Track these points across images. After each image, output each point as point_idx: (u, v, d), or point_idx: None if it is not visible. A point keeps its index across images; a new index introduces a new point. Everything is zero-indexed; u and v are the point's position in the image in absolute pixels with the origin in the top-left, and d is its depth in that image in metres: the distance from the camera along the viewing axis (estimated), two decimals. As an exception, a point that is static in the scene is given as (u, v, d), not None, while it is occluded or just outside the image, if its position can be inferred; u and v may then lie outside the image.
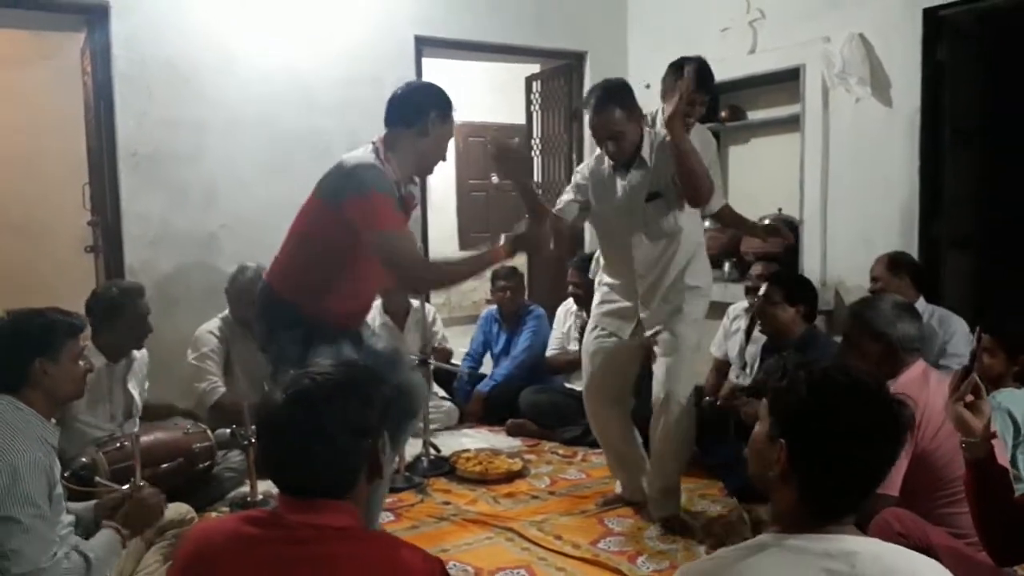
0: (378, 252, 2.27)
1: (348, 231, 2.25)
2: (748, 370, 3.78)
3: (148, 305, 3.24)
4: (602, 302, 3.07)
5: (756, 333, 3.73)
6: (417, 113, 2.38)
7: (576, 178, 3.06)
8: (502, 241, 2.47)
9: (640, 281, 2.92)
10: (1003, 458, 1.93)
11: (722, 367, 4.03)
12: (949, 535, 1.99)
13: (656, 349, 2.93)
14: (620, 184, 2.89)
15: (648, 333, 2.93)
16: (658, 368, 2.91)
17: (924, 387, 2.19)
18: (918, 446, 2.10)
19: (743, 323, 3.89)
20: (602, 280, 3.10)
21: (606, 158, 2.91)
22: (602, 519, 3.08)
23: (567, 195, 3.03)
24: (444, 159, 2.52)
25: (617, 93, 2.80)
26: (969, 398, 1.71)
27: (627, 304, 2.97)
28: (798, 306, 3.28)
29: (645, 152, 2.84)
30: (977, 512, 1.78)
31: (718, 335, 4.05)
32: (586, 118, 2.94)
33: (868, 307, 2.36)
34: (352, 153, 2.37)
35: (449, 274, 2.58)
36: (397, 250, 2.27)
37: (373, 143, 2.39)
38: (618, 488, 3.23)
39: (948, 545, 1.94)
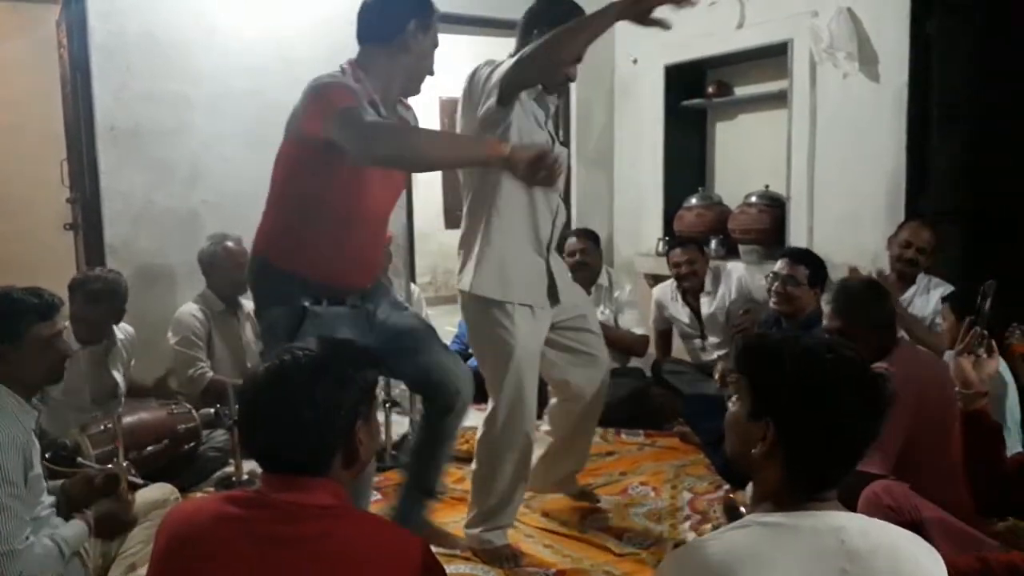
0: (340, 135, 1.91)
1: (316, 155, 2.00)
2: (703, 335, 4.04)
3: (112, 302, 3.19)
4: (520, 261, 2.51)
5: (704, 300, 4.01)
6: (394, 25, 2.09)
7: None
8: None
9: (554, 233, 2.58)
10: (997, 414, 1.97)
11: (665, 335, 4.30)
12: (940, 508, 2.01)
13: (580, 316, 2.72)
14: (545, 113, 2.53)
15: (566, 302, 2.64)
16: (587, 336, 2.73)
17: (918, 363, 2.19)
18: (914, 422, 2.11)
19: (678, 297, 4.13)
20: (504, 229, 2.48)
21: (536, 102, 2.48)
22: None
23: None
24: (432, 73, 2.21)
25: None
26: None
27: (541, 262, 2.56)
28: (816, 288, 3.30)
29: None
30: (966, 461, 1.85)
31: (653, 313, 4.26)
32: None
33: (852, 296, 2.36)
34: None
35: (425, 143, 2.11)
36: (357, 121, 1.92)
37: (341, 66, 2.12)
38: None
39: (939, 518, 1.97)
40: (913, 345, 2.48)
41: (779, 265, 3.35)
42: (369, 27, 2.14)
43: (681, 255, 4.04)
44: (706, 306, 4.04)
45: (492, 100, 2.30)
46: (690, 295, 4.10)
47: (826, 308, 2.36)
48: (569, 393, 2.74)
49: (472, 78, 2.41)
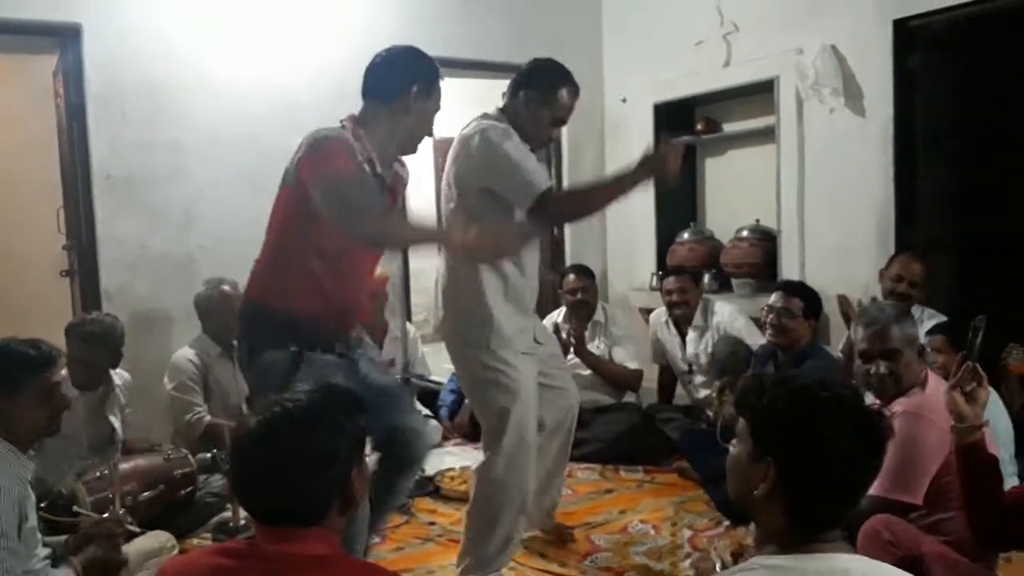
0: (325, 202, 1.96)
1: (311, 203, 2.01)
2: (691, 371, 4.08)
3: (108, 344, 3.18)
4: (506, 317, 2.54)
5: (691, 335, 4.04)
6: (397, 87, 2.13)
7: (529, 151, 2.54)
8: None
9: (535, 285, 2.66)
10: (994, 447, 1.96)
11: (668, 375, 4.30)
12: (940, 542, 2.00)
13: (551, 355, 2.82)
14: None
15: (543, 339, 2.78)
16: (556, 372, 2.80)
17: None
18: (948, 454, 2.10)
19: (670, 325, 4.13)
20: (488, 286, 2.50)
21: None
22: (588, 536, 3.06)
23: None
24: (431, 134, 2.25)
25: None
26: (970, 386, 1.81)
27: (526, 318, 2.65)
28: (811, 320, 3.32)
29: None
30: (964, 496, 1.85)
31: (651, 345, 4.28)
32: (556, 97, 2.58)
33: (894, 315, 2.30)
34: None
35: (401, 234, 2.24)
36: (347, 196, 1.97)
37: (341, 121, 2.16)
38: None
39: (939, 552, 1.96)
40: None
41: (774, 298, 3.37)
42: (374, 85, 2.18)
43: (674, 283, 4.07)
44: (692, 344, 4.05)
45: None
46: (682, 324, 4.11)
47: (860, 331, 2.32)
48: (544, 430, 2.74)
49: (467, 145, 2.48)
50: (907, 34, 3.75)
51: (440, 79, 2.24)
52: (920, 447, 2.08)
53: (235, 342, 3.59)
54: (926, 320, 3.41)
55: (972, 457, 1.82)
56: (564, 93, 2.57)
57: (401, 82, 2.15)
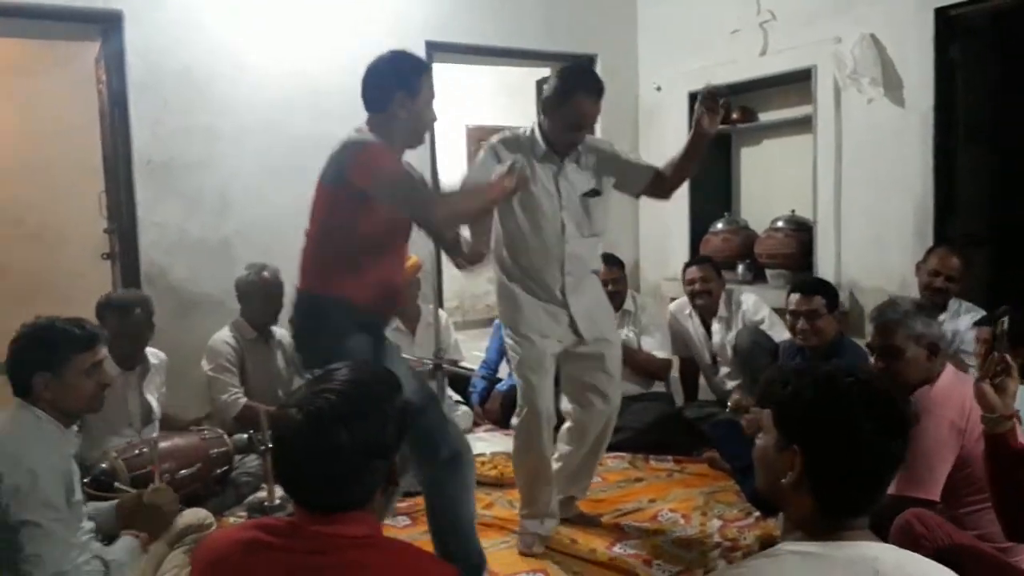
0: (390, 198, 2.17)
1: (356, 195, 2.17)
2: (716, 363, 4.04)
3: (142, 314, 3.24)
4: (527, 301, 2.78)
5: (716, 326, 4.00)
6: (386, 97, 2.28)
7: (495, 156, 2.71)
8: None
9: (568, 279, 2.78)
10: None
11: (690, 367, 4.25)
12: (974, 537, 1.99)
13: (597, 355, 2.86)
14: (552, 173, 2.74)
15: (590, 338, 2.82)
16: (600, 375, 2.86)
17: (963, 386, 2.18)
18: (964, 448, 2.10)
19: (694, 315, 4.11)
20: (512, 275, 2.80)
21: (529, 144, 2.73)
22: (618, 523, 3.08)
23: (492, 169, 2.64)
24: (434, 121, 2.39)
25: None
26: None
27: (554, 306, 2.79)
28: (835, 311, 3.27)
29: (580, 147, 2.78)
30: (993, 487, 1.84)
31: (671, 337, 4.22)
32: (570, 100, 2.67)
33: (903, 312, 2.28)
34: (348, 135, 2.30)
35: (461, 205, 2.39)
36: (407, 192, 2.20)
37: (357, 128, 2.33)
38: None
39: (972, 546, 1.94)
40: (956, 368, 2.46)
41: (794, 302, 3.24)
42: (369, 98, 2.34)
43: (696, 273, 4.03)
44: (717, 334, 4.01)
45: None
46: (706, 315, 4.07)
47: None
48: (575, 424, 2.92)
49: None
50: (948, 23, 3.68)
51: (424, 72, 2.35)
52: (927, 440, 2.07)
53: (272, 327, 3.71)
54: (963, 314, 3.37)
55: (1002, 448, 1.81)
56: (578, 99, 2.65)
57: (387, 91, 2.29)
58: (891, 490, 2.07)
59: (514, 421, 2.85)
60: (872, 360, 2.33)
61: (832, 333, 3.24)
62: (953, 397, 2.14)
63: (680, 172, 2.81)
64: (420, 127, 2.36)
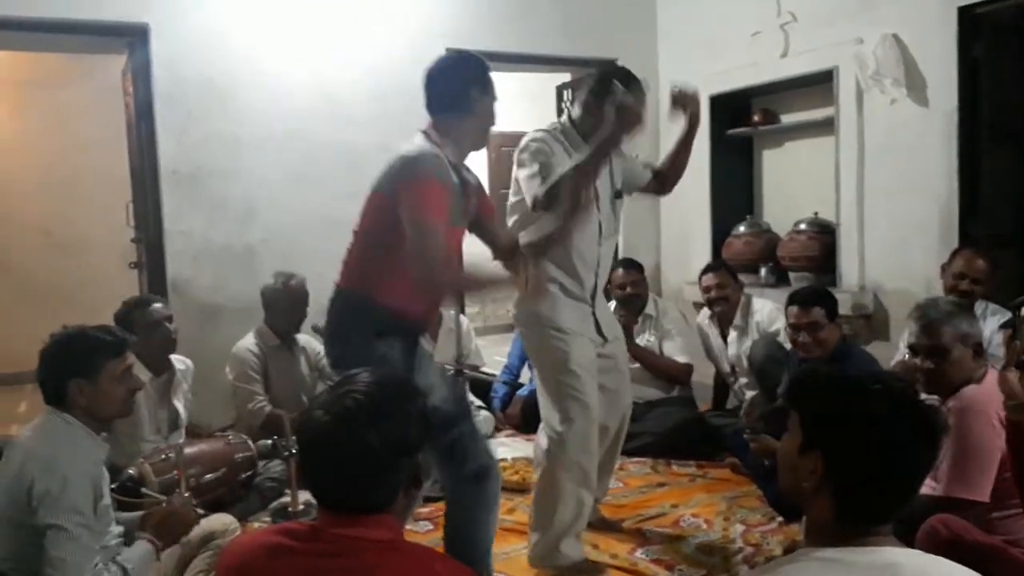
0: (408, 230, 2.12)
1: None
2: (735, 372, 4.00)
3: (158, 314, 3.25)
4: (565, 301, 2.74)
5: (732, 335, 3.96)
6: (459, 95, 2.25)
7: (543, 158, 2.61)
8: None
9: (598, 280, 2.79)
10: None
11: (719, 378, 4.19)
12: (1002, 541, 1.97)
13: (613, 355, 2.87)
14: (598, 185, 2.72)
15: (611, 337, 2.86)
16: (616, 375, 2.88)
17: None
18: (1002, 451, 2.08)
19: (714, 328, 4.06)
20: (550, 274, 2.72)
21: (564, 144, 2.69)
22: (640, 528, 3.07)
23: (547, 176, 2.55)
24: (494, 123, 2.36)
25: None
26: None
27: (585, 306, 2.78)
28: (835, 320, 3.22)
29: None
30: (1017, 477, 1.85)
31: (702, 347, 4.17)
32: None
33: (946, 312, 2.26)
34: (407, 145, 2.23)
35: (462, 284, 2.50)
36: (427, 244, 2.11)
37: (424, 132, 2.27)
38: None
39: (999, 548, 1.92)
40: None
41: (793, 315, 3.15)
42: (438, 100, 2.28)
43: (712, 279, 3.96)
44: (733, 344, 3.95)
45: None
46: (723, 322, 4.01)
47: (913, 326, 2.28)
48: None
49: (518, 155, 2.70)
50: (972, 21, 3.64)
51: (489, 70, 2.32)
52: (972, 438, 2.06)
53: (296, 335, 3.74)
54: (989, 316, 3.33)
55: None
56: (617, 95, 2.57)
57: (461, 89, 2.25)
58: (939, 492, 2.07)
59: (555, 431, 2.66)
60: (917, 360, 2.28)
61: (835, 341, 3.14)
62: (995, 397, 2.11)
63: (675, 164, 2.87)
64: (487, 125, 2.34)
